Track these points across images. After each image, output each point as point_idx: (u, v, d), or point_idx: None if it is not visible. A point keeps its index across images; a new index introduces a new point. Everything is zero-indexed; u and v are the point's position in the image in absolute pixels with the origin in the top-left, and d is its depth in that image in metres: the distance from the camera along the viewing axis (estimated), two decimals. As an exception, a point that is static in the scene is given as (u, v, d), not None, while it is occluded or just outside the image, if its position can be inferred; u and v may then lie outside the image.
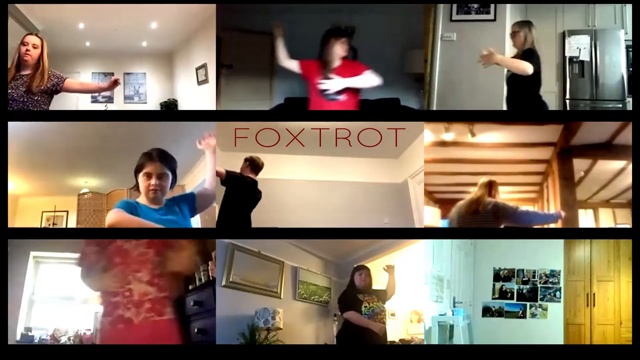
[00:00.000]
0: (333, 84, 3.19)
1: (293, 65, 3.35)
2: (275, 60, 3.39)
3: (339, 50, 3.25)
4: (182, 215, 2.47)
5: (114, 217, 2.26)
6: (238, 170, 3.43)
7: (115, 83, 3.34)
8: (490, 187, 3.20)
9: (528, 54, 3.29)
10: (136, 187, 2.45)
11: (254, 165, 3.49)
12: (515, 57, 3.33)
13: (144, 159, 2.40)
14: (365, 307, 3.25)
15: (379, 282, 3.58)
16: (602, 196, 6.31)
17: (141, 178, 2.40)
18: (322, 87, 3.20)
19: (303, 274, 4.14)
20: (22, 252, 4.02)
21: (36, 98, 3.04)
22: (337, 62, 3.26)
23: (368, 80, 3.22)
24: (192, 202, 2.59)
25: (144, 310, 2.29)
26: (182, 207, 2.51)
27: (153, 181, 2.38)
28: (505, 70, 3.38)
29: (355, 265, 3.53)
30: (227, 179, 3.27)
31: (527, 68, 3.20)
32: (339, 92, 3.20)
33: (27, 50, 3.07)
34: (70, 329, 3.88)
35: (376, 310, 3.27)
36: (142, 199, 2.42)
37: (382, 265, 4.44)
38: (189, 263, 2.55)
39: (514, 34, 3.38)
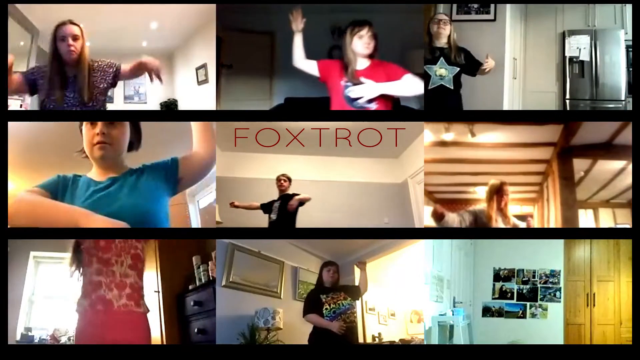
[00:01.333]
0: (365, 90, 2.67)
1: (311, 66, 2.84)
2: (292, 60, 2.88)
3: (358, 47, 2.70)
4: (145, 191, 1.75)
5: (14, 206, 1.58)
6: (277, 191, 3.75)
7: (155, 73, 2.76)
8: (494, 194, 3.08)
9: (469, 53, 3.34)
10: (82, 150, 1.82)
11: (290, 180, 3.79)
12: (449, 49, 3.29)
13: None
14: (327, 309, 3.07)
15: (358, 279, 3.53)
16: (602, 196, 6.30)
17: (85, 129, 1.76)
18: (352, 94, 2.69)
19: (303, 274, 4.14)
20: (22, 252, 4.02)
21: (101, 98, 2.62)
22: (361, 63, 2.75)
23: (409, 86, 2.66)
24: (172, 171, 1.83)
25: (124, 295, 2.17)
26: (151, 179, 1.79)
27: (99, 129, 1.72)
28: (450, 69, 3.31)
29: (323, 262, 3.41)
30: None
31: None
32: (371, 100, 2.70)
33: (69, 45, 2.56)
34: (70, 329, 3.88)
35: (338, 310, 3.07)
36: (92, 172, 1.82)
37: (382, 264, 4.46)
38: None
39: (444, 23, 3.30)
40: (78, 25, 2.63)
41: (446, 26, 3.29)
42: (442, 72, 3.27)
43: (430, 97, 3.27)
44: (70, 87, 2.57)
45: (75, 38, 2.58)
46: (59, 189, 1.71)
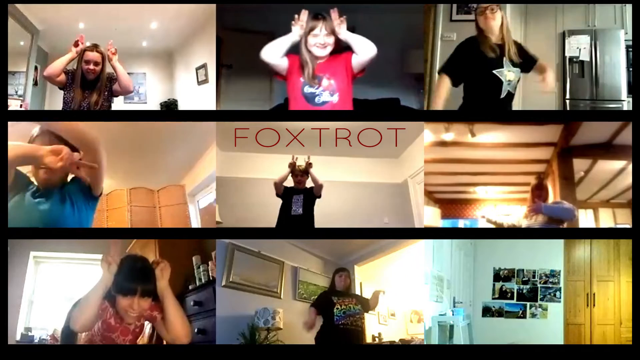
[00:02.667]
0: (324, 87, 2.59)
1: (282, 63, 2.61)
2: (264, 53, 2.57)
3: (313, 47, 2.55)
4: (68, 205, 2.08)
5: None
6: (290, 178, 3.47)
7: None
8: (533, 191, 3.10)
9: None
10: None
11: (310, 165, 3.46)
12: (504, 44, 2.81)
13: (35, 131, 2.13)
14: (338, 308, 3.24)
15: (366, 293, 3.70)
16: (602, 196, 6.32)
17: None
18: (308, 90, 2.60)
19: (303, 274, 4.14)
20: (22, 252, 4.01)
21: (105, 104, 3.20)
22: (319, 60, 2.60)
23: (365, 46, 2.50)
24: (83, 186, 2.15)
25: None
26: (72, 195, 2.11)
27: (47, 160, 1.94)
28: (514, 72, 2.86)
29: (335, 268, 3.59)
30: None
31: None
32: (332, 94, 2.61)
33: (88, 69, 3.13)
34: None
35: (349, 312, 3.25)
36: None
37: (382, 265, 4.45)
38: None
39: (491, 11, 2.74)
40: (101, 53, 3.15)
41: (494, 14, 2.74)
42: (510, 76, 2.81)
43: (500, 105, 2.84)
44: (86, 98, 3.15)
45: (96, 64, 3.14)
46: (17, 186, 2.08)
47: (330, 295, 3.37)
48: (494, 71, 2.78)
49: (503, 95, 2.80)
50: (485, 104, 2.84)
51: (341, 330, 3.18)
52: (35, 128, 2.13)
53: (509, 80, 2.82)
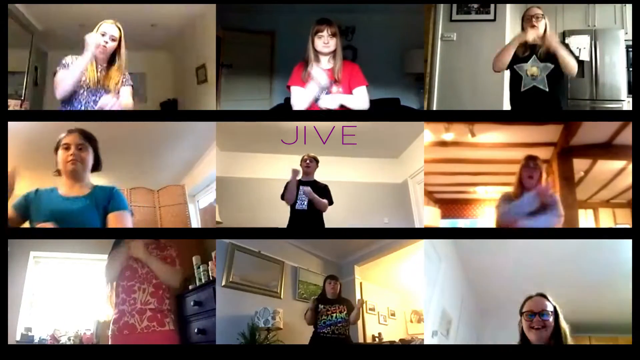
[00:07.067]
0: (329, 101, 2.88)
1: (302, 92, 2.92)
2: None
3: (318, 45, 2.87)
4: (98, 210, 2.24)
5: None
6: (300, 171, 3.37)
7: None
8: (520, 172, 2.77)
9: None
10: (57, 171, 2.31)
11: (317, 161, 3.49)
12: (542, 45, 2.94)
13: (62, 134, 2.27)
14: (318, 319, 3.26)
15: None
16: (602, 196, 6.31)
17: (60, 152, 2.27)
18: (321, 103, 2.89)
19: (303, 274, 4.14)
20: (22, 252, 4.01)
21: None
22: (324, 62, 2.92)
23: (356, 101, 2.90)
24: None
25: (145, 319, 2.50)
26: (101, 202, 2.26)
27: (71, 151, 2.24)
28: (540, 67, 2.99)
29: (326, 275, 3.58)
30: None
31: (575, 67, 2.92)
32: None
33: (105, 42, 2.76)
34: (70, 329, 3.88)
35: (330, 321, 3.24)
36: (61, 183, 2.28)
37: (382, 264, 4.46)
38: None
39: (536, 18, 2.93)
40: (120, 29, 2.81)
41: (539, 21, 2.93)
42: (533, 71, 2.96)
43: (522, 99, 3.00)
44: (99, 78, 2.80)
45: (113, 39, 2.78)
46: (27, 204, 2.25)
47: (318, 303, 3.36)
48: (515, 66, 2.98)
49: (525, 88, 2.97)
50: (511, 98, 3.04)
51: (322, 339, 3.19)
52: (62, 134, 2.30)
53: (532, 75, 2.96)
